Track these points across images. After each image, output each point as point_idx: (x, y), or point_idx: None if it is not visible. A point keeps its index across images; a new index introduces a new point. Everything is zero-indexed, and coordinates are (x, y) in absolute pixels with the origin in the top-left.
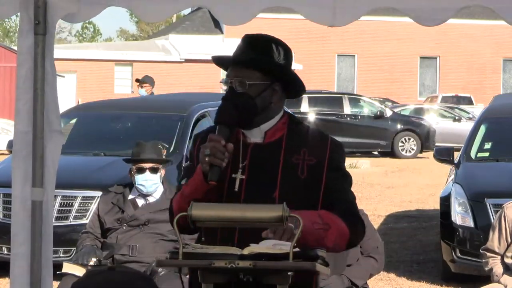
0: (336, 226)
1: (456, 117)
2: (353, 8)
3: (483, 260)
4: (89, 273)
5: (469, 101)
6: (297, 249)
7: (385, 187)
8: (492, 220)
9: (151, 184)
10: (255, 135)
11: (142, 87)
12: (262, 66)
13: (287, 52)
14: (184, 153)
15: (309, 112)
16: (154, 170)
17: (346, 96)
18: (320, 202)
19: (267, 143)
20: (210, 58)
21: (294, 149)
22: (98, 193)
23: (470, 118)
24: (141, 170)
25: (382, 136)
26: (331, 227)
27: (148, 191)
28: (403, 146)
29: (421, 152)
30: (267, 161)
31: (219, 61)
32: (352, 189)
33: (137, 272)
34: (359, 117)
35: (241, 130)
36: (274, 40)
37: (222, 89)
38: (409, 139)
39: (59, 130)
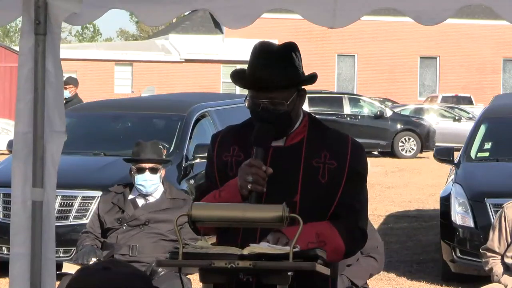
0: (332, 243)
1: (456, 117)
2: (353, 9)
3: (483, 260)
4: (82, 273)
5: (469, 101)
6: (297, 249)
7: (385, 187)
8: (492, 220)
9: (151, 184)
10: (277, 139)
11: (65, 88)
12: (295, 83)
13: (300, 53)
14: (184, 153)
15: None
16: (153, 171)
17: (346, 96)
18: (334, 206)
19: (287, 146)
20: (210, 58)
21: (315, 152)
22: (98, 193)
23: (470, 118)
24: (141, 170)
25: (382, 136)
26: (326, 244)
27: (148, 191)
28: (403, 146)
29: (421, 152)
30: (288, 164)
31: (248, 83)
32: None
33: (133, 271)
34: (359, 117)
35: None
36: (291, 47)
37: (245, 105)
38: (409, 139)
39: (61, 130)
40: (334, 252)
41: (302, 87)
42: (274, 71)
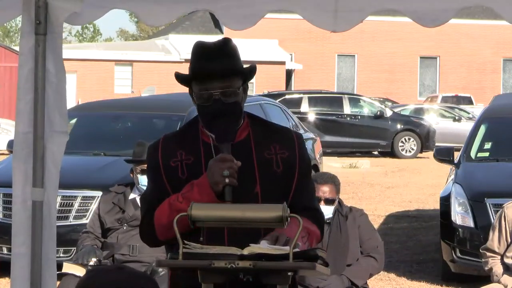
0: (313, 233)
1: (456, 117)
2: (354, 12)
3: (483, 260)
4: (95, 273)
5: (469, 101)
6: (297, 249)
7: (385, 187)
8: (492, 220)
9: None
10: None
11: None
12: (243, 71)
13: (237, 48)
14: None
15: (309, 112)
16: None
17: (346, 96)
18: (292, 194)
19: (236, 143)
20: None
21: (264, 145)
22: (98, 193)
23: (470, 118)
24: (145, 171)
25: (382, 136)
26: (310, 235)
27: None
28: (403, 146)
29: (421, 152)
30: (241, 159)
31: (199, 75)
32: (352, 189)
33: (144, 273)
34: (359, 117)
35: (207, 133)
36: (229, 41)
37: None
38: (409, 139)
39: (62, 130)
40: (316, 240)
41: (246, 82)
42: (223, 60)
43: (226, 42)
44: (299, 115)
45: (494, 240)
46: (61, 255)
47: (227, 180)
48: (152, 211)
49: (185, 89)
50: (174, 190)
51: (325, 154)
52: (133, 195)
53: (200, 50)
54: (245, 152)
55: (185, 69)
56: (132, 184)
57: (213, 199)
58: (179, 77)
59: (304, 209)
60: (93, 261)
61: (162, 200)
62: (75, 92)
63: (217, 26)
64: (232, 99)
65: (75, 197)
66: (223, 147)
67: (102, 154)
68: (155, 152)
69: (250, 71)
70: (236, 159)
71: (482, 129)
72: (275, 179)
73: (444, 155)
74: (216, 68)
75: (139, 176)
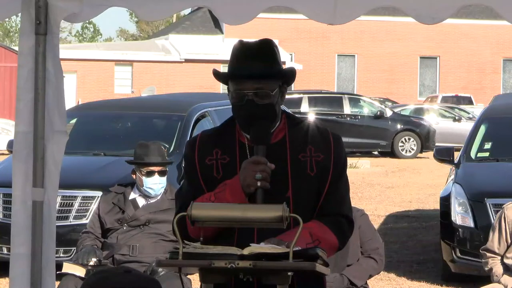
0: (326, 240)
1: (456, 117)
2: (353, 6)
3: (483, 260)
4: (106, 274)
5: (469, 101)
6: (297, 248)
7: (385, 187)
8: (492, 220)
9: (160, 187)
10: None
11: None
12: (280, 74)
13: (278, 50)
14: None
15: (309, 112)
16: (162, 173)
17: (346, 96)
18: (322, 198)
19: (272, 144)
20: (210, 58)
21: (299, 147)
22: (98, 193)
23: (470, 118)
24: (150, 174)
25: (382, 136)
26: (321, 242)
27: (156, 194)
28: (403, 146)
29: (421, 152)
30: (275, 161)
31: (234, 74)
32: (352, 189)
33: (151, 276)
34: (359, 117)
35: (243, 133)
36: (271, 42)
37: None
38: (409, 139)
39: (62, 130)
40: (328, 248)
41: (284, 85)
42: (260, 60)
43: (266, 43)
44: (299, 115)
45: (494, 241)
46: (61, 255)
47: (259, 183)
48: (185, 208)
49: (185, 89)
50: (208, 188)
51: None
52: (133, 195)
53: (238, 49)
54: (280, 154)
55: (185, 69)
56: (132, 184)
57: (244, 201)
58: (217, 75)
59: (330, 214)
60: (93, 261)
61: (196, 197)
62: (75, 92)
63: (217, 26)
64: (265, 101)
65: (75, 197)
66: (258, 149)
67: (102, 154)
68: (192, 149)
69: (289, 74)
70: (270, 161)
71: (482, 129)
72: (307, 183)
73: (444, 155)
74: (251, 68)
75: (144, 178)
